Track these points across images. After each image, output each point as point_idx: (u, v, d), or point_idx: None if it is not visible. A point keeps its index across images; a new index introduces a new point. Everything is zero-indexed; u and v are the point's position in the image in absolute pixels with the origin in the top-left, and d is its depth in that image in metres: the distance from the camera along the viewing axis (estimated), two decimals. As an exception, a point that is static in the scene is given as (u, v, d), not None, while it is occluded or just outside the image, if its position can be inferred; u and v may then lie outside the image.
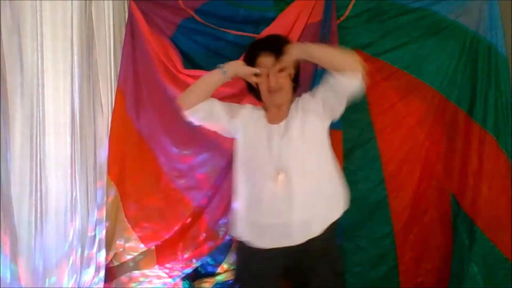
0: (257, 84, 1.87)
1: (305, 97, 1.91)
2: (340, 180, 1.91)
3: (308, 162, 1.77)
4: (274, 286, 1.83)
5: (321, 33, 2.51)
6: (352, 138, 2.59)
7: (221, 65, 1.87)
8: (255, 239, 1.79)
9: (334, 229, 1.82)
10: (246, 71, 1.85)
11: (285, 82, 1.82)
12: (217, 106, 1.93)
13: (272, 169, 1.74)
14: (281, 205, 1.72)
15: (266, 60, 1.81)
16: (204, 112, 1.90)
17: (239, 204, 1.87)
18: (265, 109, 1.94)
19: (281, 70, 1.81)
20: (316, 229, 1.76)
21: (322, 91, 1.84)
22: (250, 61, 1.86)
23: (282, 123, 1.84)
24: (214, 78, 1.89)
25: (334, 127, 2.53)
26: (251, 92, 1.99)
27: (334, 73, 1.73)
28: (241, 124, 1.90)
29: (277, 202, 1.72)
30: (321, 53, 1.79)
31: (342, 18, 2.57)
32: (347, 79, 1.69)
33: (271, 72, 1.79)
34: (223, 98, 2.58)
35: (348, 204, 1.89)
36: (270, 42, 1.88)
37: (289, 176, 1.72)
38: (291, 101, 1.91)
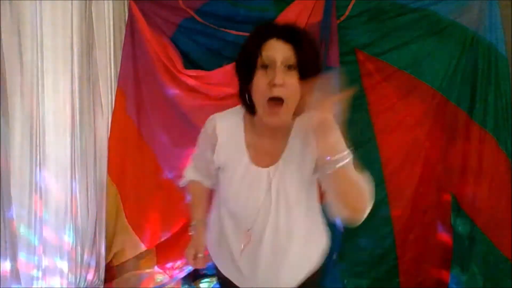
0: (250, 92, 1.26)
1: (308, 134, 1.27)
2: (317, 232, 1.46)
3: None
4: None
5: (321, 33, 2.51)
6: (352, 138, 2.58)
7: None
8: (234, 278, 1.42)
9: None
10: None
11: (293, 87, 1.19)
12: (206, 169, 1.47)
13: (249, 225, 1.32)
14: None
15: (278, 45, 1.19)
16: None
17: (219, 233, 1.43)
18: (250, 124, 1.34)
19: (292, 68, 1.20)
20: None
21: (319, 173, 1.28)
22: (255, 46, 1.23)
23: (273, 169, 1.30)
24: None
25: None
26: (243, 100, 1.31)
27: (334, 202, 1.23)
28: (220, 162, 1.37)
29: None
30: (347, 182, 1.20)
31: (342, 18, 2.57)
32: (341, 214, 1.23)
33: (278, 66, 1.18)
34: (223, 98, 2.59)
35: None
36: (288, 29, 1.23)
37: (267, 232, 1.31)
38: (289, 127, 1.32)
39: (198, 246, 1.42)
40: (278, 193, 1.29)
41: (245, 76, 1.24)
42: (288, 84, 1.18)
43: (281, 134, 1.31)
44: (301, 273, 1.39)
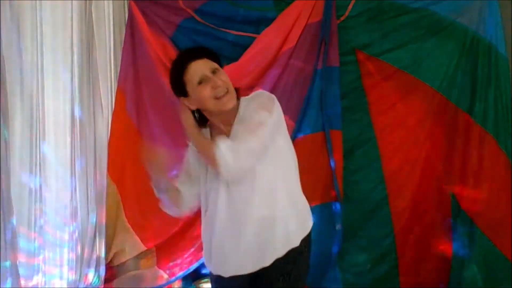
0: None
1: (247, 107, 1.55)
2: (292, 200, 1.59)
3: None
4: None
5: (321, 33, 2.51)
6: (352, 138, 2.59)
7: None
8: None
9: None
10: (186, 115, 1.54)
11: (228, 81, 1.51)
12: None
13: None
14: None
15: (199, 63, 1.50)
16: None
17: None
18: (209, 126, 1.62)
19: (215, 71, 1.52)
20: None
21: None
22: (179, 74, 1.52)
23: None
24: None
25: (334, 127, 2.55)
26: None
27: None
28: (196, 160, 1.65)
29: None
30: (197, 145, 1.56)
31: (342, 18, 2.57)
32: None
33: (209, 75, 1.49)
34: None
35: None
36: (196, 49, 1.60)
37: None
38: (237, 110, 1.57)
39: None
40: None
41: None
42: (225, 80, 1.50)
43: (232, 119, 1.54)
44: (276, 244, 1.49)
